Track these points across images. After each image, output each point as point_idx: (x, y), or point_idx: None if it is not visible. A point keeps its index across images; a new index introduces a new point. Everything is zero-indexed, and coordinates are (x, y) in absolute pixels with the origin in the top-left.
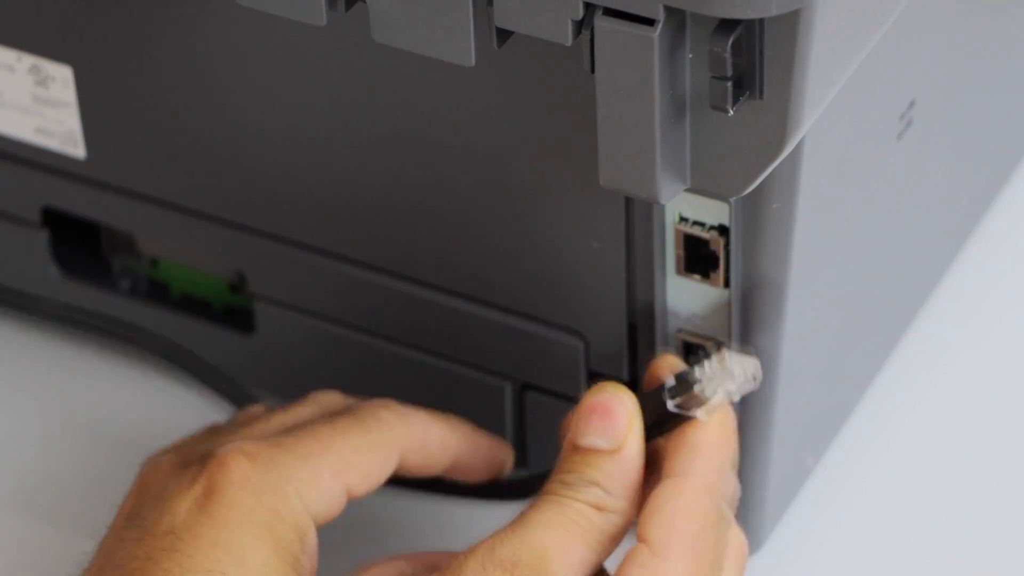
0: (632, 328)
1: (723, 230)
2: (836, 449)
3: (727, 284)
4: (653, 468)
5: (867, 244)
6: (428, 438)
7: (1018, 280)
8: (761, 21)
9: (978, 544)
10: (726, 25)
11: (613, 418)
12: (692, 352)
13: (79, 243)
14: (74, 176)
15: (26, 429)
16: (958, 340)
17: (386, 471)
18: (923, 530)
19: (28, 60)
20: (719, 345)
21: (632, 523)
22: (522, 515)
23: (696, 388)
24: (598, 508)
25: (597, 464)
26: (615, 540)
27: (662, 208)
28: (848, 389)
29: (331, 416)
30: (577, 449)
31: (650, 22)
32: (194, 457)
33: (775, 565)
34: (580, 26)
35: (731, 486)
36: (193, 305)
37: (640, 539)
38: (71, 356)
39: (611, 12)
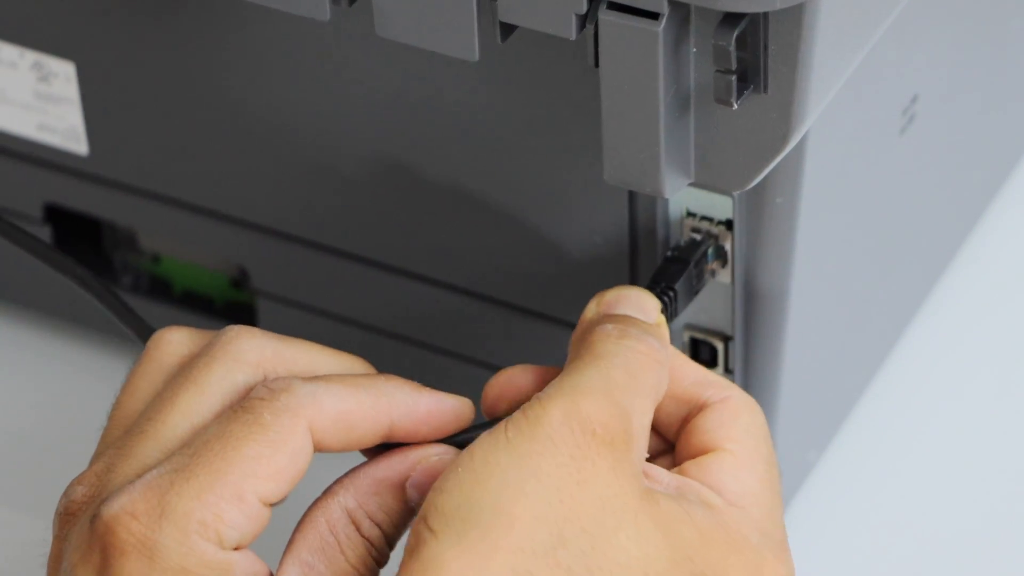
0: None
1: (727, 224)
2: (838, 444)
3: (731, 278)
4: None
5: (869, 239)
6: (345, 411)
7: (1019, 275)
8: (766, 15)
9: (979, 542)
10: (730, 19)
11: (646, 306)
12: (698, 348)
13: (81, 239)
14: (76, 172)
15: (26, 428)
16: (960, 335)
17: (300, 464)
18: (924, 526)
19: (31, 56)
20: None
21: None
22: (591, 361)
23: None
24: (659, 363)
25: (641, 325)
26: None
27: (666, 203)
28: (850, 384)
29: (221, 422)
30: (614, 316)
31: (654, 16)
32: (87, 510)
33: None
34: (584, 20)
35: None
36: (195, 301)
37: (709, 449)
38: (71, 355)
39: (615, 6)
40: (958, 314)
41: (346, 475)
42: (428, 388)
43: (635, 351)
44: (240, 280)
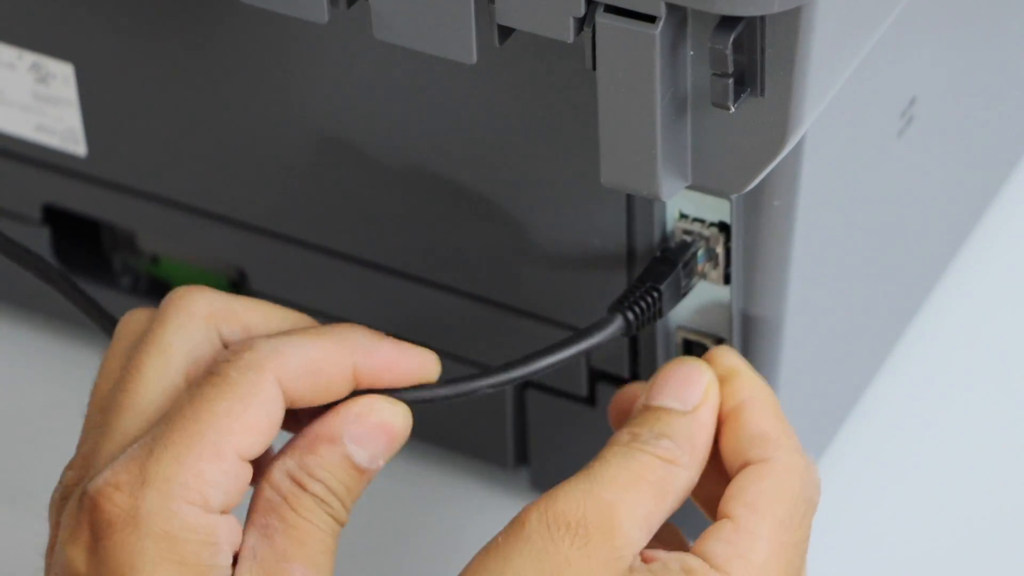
0: None
1: (724, 227)
2: (837, 447)
3: (727, 281)
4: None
5: (868, 241)
6: (309, 359)
7: (1018, 277)
8: (763, 18)
9: (979, 542)
10: (727, 22)
11: (691, 384)
12: (691, 349)
13: (80, 240)
14: (75, 173)
15: (26, 428)
16: (958, 337)
17: (275, 417)
18: (924, 527)
19: (29, 57)
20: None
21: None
22: (587, 467)
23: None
24: (667, 460)
25: (668, 420)
26: (681, 496)
27: (663, 205)
28: (849, 386)
29: (190, 391)
30: (649, 408)
31: (651, 19)
32: (75, 492)
33: None
34: (582, 23)
35: (816, 470)
36: None
37: (723, 516)
38: (71, 355)
39: (612, 9)
40: (957, 316)
41: (286, 444)
42: (392, 337)
43: (640, 452)
44: (238, 281)
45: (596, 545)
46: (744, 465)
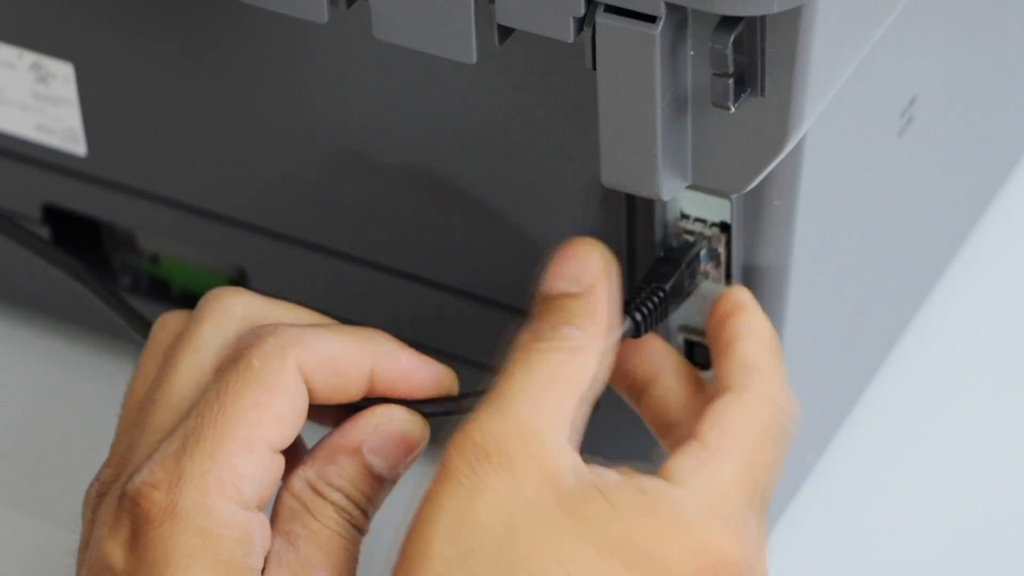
0: None
1: (724, 227)
2: (837, 445)
3: (729, 281)
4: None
5: (868, 241)
6: (331, 354)
7: (1018, 277)
8: (763, 18)
9: (979, 541)
10: (727, 22)
11: (582, 262)
12: (693, 350)
13: (80, 240)
14: (75, 173)
15: (25, 429)
16: (959, 336)
17: (299, 405)
18: (924, 527)
19: (29, 57)
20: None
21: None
22: (496, 384)
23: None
24: (572, 351)
25: (567, 306)
26: (597, 380)
27: (664, 205)
28: (849, 385)
29: (216, 381)
30: (547, 299)
31: (652, 19)
32: (115, 489)
33: (776, 561)
34: (582, 23)
35: (795, 405)
36: (194, 302)
37: (694, 438)
38: (71, 355)
39: (613, 9)
40: (957, 316)
41: (307, 454)
42: (405, 344)
43: (543, 352)
44: (239, 281)
45: (523, 469)
46: (723, 390)
